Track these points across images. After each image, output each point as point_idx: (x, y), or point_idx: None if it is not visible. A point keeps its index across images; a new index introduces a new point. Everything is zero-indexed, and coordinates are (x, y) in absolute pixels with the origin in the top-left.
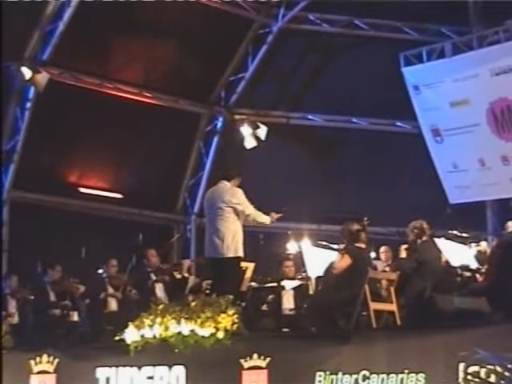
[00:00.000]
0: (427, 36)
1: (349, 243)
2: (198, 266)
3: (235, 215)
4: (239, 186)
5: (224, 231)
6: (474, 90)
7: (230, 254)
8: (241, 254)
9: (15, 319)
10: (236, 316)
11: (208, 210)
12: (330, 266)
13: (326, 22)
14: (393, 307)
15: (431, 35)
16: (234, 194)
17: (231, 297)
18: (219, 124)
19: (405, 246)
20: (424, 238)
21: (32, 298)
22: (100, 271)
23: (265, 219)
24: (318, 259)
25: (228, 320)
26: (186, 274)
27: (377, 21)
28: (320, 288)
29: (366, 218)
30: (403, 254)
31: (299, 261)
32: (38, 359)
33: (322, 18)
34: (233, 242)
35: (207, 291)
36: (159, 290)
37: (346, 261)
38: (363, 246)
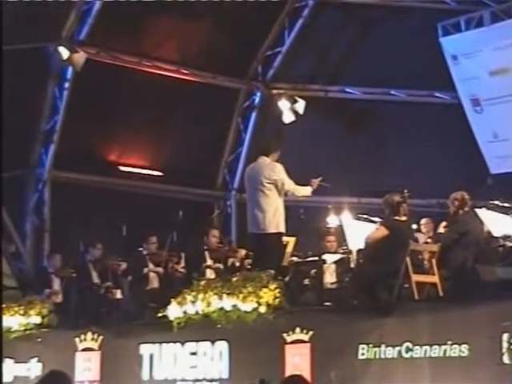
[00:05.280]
0: (465, 5)
1: (389, 215)
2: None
3: (276, 190)
4: (278, 160)
5: (265, 207)
6: None
7: (272, 230)
8: (282, 229)
9: (59, 297)
10: (278, 290)
11: (248, 186)
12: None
13: None
14: (435, 279)
15: (469, 4)
16: (273, 170)
17: (273, 271)
18: (257, 99)
19: (444, 224)
20: (465, 209)
21: (75, 276)
22: (141, 249)
23: (305, 191)
24: (358, 232)
25: (270, 294)
26: (238, 264)
27: None
28: (361, 261)
29: (406, 191)
30: (441, 230)
31: (340, 234)
32: (82, 337)
33: None
34: (274, 217)
35: (248, 267)
36: (210, 273)
37: (381, 232)
38: (403, 218)
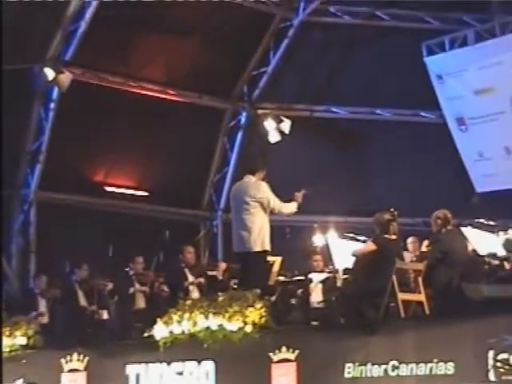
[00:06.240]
0: (449, 25)
1: (379, 233)
2: (231, 270)
3: (261, 209)
4: (264, 179)
5: (250, 225)
6: (498, 78)
7: (257, 248)
8: (267, 247)
9: (46, 318)
10: (264, 310)
11: (234, 205)
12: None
13: (347, 13)
14: (421, 297)
15: (453, 24)
16: (258, 189)
17: (258, 291)
18: (243, 119)
19: (426, 243)
20: (449, 228)
21: (61, 296)
22: (127, 269)
23: (291, 208)
24: (345, 251)
25: (256, 314)
26: (221, 277)
27: (398, 11)
28: (349, 277)
29: (392, 209)
30: (424, 248)
31: (326, 253)
32: (68, 357)
33: (342, 10)
34: (259, 235)
35: (234, 287)
36: (194, 291)
37: (369, 247)
38: (393, 236)
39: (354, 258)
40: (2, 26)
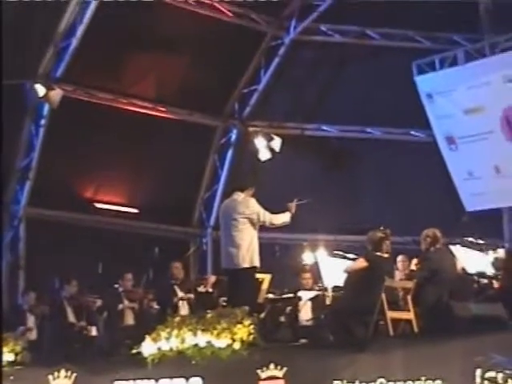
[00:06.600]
0: (439, 44)
1: (371, 251)
2: (221, 283)
3: (250, 225)
4: (253, 196)
5: (239, 242)
6: (487, 97)
7: (246, 264)
8: (256, 263)
9: (34, 335)
10: (252, 327)
11: (223, 222)
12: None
13: (337, 32)
14: (410, 315)
15: (443, 43)
16: (247, 205)
17: (247, 308)
18: (233, 137)
19: (415, 261)
20: (437, 246)
21: (49, 313)
22: (116, 286)
23: (283, 219)
24: (334, 269)
25: (244, 331)
26: (210, 289)
27: (389, 30)
28: (340, 294)
29: (381, 228)
30: (413, 267)
31: (315, 271)
32: (55, 374)
33: (333, 28)
34: (248, 251)
35: (224, 304)
36: (183, 306)
37: (360, 263)
38: (385, 255)
39: (344, 276)
40: (1, 26)
